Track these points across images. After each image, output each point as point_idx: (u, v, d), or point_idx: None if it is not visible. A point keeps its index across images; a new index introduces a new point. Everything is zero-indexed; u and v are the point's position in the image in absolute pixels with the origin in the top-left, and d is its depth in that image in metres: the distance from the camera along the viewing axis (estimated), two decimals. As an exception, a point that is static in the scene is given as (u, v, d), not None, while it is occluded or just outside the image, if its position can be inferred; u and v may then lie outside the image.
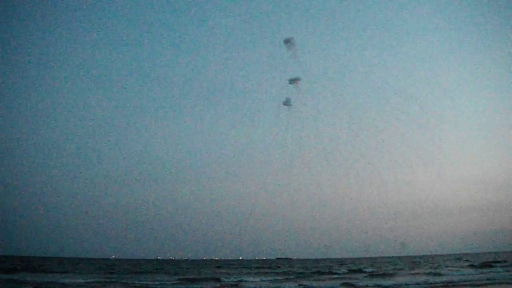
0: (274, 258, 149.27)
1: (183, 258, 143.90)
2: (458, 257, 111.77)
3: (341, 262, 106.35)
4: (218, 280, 40.67)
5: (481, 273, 47.18)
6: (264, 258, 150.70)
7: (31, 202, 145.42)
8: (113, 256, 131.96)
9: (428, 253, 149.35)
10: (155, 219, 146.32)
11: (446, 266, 61.15)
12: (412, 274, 48.54)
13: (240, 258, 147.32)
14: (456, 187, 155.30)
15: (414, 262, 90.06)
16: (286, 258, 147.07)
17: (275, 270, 59.31)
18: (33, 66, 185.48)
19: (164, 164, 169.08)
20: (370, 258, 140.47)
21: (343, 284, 37.31)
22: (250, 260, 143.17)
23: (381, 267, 66.05)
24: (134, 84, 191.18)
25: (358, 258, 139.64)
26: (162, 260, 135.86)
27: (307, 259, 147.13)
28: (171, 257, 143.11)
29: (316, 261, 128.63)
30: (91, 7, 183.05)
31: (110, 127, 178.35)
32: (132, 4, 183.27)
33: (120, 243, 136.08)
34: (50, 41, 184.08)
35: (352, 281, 39.03)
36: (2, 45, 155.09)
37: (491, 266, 57.35)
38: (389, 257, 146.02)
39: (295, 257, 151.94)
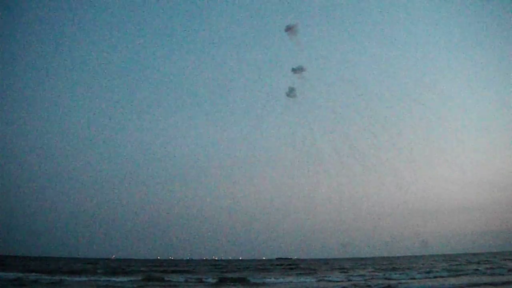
0: (274, 258, 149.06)
1: (184, 258, 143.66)
2: (485, 257, 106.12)
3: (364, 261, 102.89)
4: None
5: None
6: (264, 258, 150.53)
7: (31, 202, 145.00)
8: (113, 256, 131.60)
9: (450, 252, 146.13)
10: (155, 219, 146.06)
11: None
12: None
13: (240, 258, 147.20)
14: (478, 186, 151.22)
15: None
16: (286, 258, 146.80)
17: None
18: (32, 66, 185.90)
19: (164, 163, 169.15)
20: (393, 257, 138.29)
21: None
22: (250, 260, 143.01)
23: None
24: (134, 82, 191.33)
25: (375, 258, 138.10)
26: (163, 260, 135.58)
27: (309, 259, 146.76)
28: (170, 257, 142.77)
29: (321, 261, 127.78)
30: (89, 6, 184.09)
31: (110, 126, 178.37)
32: None
33: (120, 243, 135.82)
34: (49, 40, 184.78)
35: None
36: (2, 44, 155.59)
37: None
38: (410, 256, 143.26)
39: (295, 257, 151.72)
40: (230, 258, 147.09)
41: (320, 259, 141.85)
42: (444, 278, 41.26)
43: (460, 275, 44.66)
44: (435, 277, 43.33)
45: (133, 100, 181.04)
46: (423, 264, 72.16)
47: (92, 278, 42.52)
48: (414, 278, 42.21)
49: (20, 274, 43.28)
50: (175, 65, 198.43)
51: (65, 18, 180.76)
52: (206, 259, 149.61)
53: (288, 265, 79.20)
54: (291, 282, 41.77)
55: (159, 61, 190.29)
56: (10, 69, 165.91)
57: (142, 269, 60.71)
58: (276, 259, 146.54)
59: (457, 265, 65.33)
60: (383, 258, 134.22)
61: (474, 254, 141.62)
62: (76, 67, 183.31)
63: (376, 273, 49.51)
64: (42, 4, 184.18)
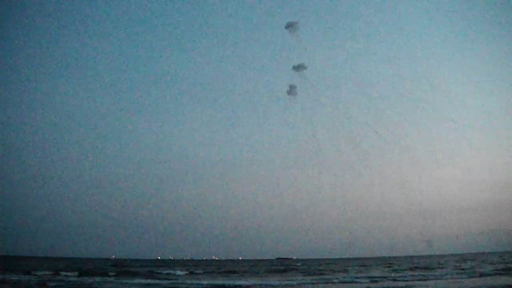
0: (275, 258, 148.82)
1: (185, 258, 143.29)
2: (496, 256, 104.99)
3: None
4: None
5: None
6: (264, 258, 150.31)
7: (31, 202, 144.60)
8: (113, 256, 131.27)
9: (456, 252, 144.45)
10: (156, 219, 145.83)
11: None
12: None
13: (240, 258, 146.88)
14: (482, 186, 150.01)
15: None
16: (286, 258, 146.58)
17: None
18: (32, 66, 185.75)
19: (164, 163, 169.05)
20: (396, 257, 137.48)
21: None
22: (250, 260, 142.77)
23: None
24: (133, 81, 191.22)
25: (380, 258, 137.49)
26: (163, 260, 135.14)
27: (310, 259, 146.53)
28: (170, 257, 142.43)
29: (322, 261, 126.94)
30: (88, 5, 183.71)
31: (110, 127, 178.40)
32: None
33: (120, 243, 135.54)
34: (49, 40, 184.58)
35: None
36: (2, 44, 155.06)
37: None
38: (415, 256, 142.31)
39: (295, 257, 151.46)
40: (230, 258, 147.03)
41: (320, 259, 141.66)
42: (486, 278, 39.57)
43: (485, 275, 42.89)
44: (481, 275, 41.49)
45: (133, 100, 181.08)
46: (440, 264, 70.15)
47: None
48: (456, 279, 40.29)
49: (23, 276, 42.71)
50: (175, 63, 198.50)
51: (65, 19, 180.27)
52: (206, 259, 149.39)
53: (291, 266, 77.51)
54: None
55: (158, 60, 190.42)
56: (10, 69, 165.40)
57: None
58: (277, 259, 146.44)
59: (484, 264, 63.86)
60: (386, 258, 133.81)
61: (476, 254, 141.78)
62: (77, 67, 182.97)
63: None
64: (42, 4, 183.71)
